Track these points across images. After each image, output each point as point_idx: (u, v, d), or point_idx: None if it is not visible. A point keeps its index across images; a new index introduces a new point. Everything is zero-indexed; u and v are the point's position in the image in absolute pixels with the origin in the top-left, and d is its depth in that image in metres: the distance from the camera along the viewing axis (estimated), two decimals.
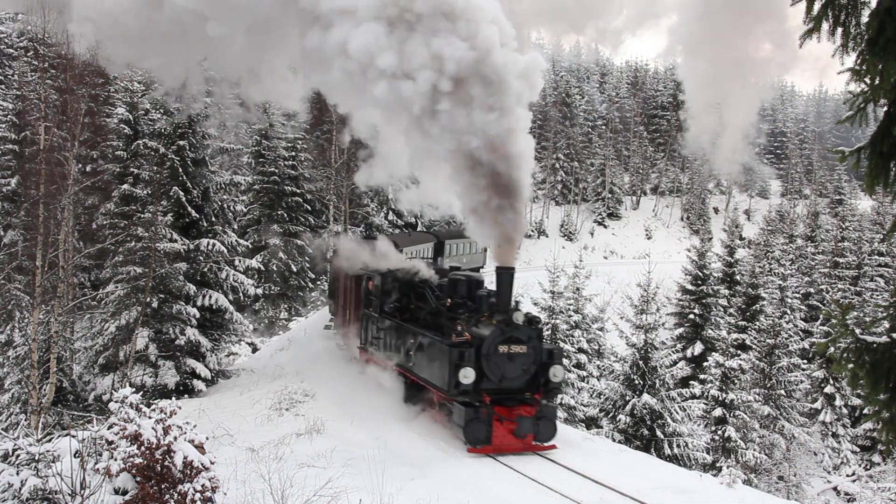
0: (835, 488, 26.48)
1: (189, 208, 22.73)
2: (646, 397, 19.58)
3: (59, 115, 24.14)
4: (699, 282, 30.79)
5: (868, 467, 28.15)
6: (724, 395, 22.34)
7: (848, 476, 27.39)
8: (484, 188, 13.99)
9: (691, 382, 24.89)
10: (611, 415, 20.52)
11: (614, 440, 18.20)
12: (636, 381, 20.07)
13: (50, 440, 8.83)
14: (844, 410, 28.91)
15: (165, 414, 8.48)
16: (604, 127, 74.71)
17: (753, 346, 26.75)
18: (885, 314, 5.64)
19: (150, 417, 8.37)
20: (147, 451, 8.00)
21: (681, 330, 30.45)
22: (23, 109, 31.50)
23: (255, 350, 29.90)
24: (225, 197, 24.66)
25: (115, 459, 7.95)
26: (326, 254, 34.34)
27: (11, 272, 23.96)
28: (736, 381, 22.94)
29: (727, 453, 21.70)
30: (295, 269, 36.65)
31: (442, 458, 13.16)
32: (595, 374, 24.21)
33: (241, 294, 23.97)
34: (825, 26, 5.26)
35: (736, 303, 31.79)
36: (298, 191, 38.74)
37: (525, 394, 14.06)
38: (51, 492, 7.81)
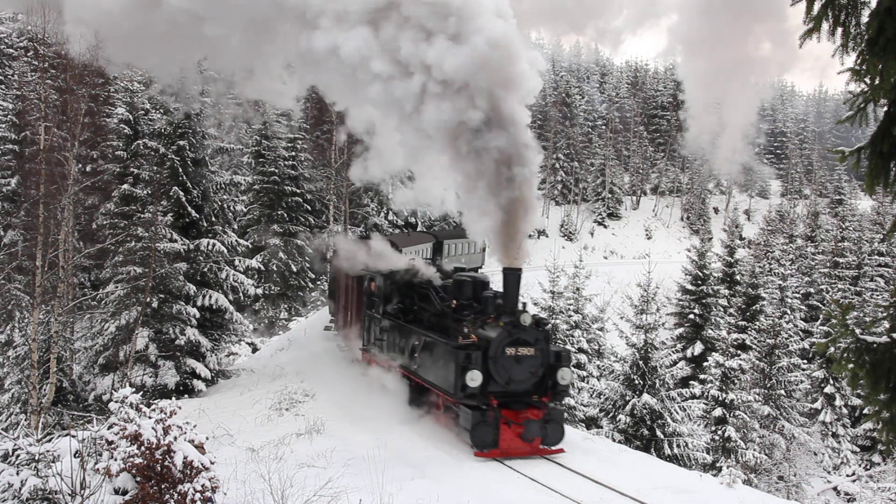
0: (835, 488, 26.48)
1: (189, 208, 22.73)
2: (646, 397, 19.57)
3: (59, 115, 24.16)
4: (699, 282, 30.79)
5: (868, 467, 28.15)
6: (724, 395, 22.34)
7: (848, 476, 27.39)
8: (488, 173, 13.72)
9: (691, 382, 24.89)
10: (611, 415, 20.51)
11: (614, 440, 18.19)
12: (636, 381, 20.06)
13: (50, 440, 8.83)
14: (844, 410, 28.91)
15: (165, 414, 8.48)
16: (604, 127, 74.71)
17: (753, 346, 26.74)
18: (885, 314, 5.64)
19: (150, 417, 8.37)
20: (147, 451, 8.00)
21: (681, 330, 30.45)
22: (23, 109, 31.52)
23: (255, 350, 29.90)
24: (225, 197, 24.67)
25: (115, 459, 7.95)
26: (326, 254, 34.35)
27: (11, 272, 23.97)
28: (736, 381, 22.94)
29: (727, 453, 21.70)
30: (295, 269, 36.66)
31: (444, 461, 13.13)
32: (595, 374, 24.20)
33: (241, 294, 23.98)
34: (825, 26, 5.26)
35: (736, 303, 31.78)
36: (298, 191, 38.74)
37: (532, 397, 13.89)
38: (51, 492, 7.81)
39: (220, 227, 23.88)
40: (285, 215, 37.68)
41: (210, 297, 22.33)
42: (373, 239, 22.84)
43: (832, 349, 5.61)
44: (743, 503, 11.66)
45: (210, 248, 22.56)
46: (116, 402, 8.55)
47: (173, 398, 18.54)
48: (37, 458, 8.16)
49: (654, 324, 21.11)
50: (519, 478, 12.29)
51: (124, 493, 8.01)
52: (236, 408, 18.21)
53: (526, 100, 13.97)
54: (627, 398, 20.06)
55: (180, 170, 22.77)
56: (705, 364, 25.12)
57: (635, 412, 19.62)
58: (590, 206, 64.90)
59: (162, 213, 21.84)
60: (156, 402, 8.98)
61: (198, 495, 7.97)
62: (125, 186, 23.30)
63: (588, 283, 28.27)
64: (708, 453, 20.75)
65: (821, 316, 35.15)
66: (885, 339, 5.37)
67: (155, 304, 21.24)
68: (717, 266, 33.57)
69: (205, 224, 23.38)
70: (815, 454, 27.30)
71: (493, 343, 13.54)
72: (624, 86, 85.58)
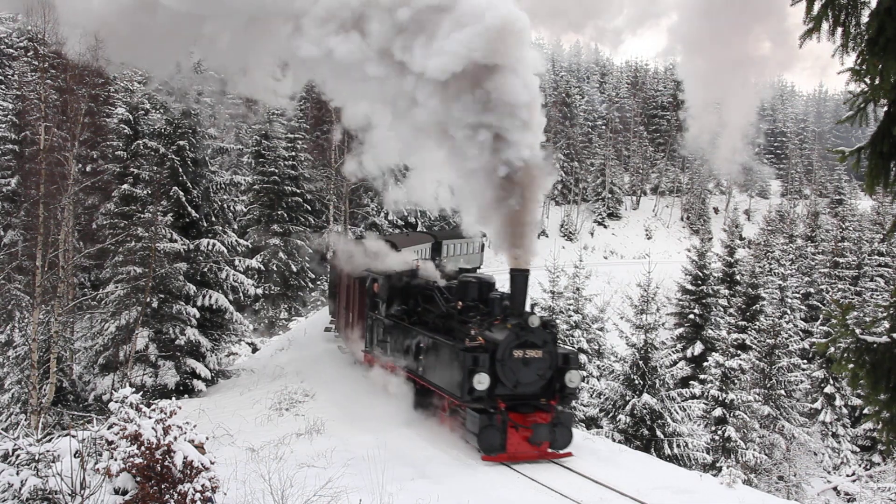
0: (835, 488, 26.48)
1: (189, 208, 22.73)
2: (646, 397, 19.57)
3: (59, 115, 24.16)
4: (699, 282, 30.79)
5: (868, 467, 28.15)
6: (724, 395, 22.34)
7: (848, 476, 27.39)
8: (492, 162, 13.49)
9: (691, 382, 24.89)
10: (611, 415, 20.51)
11: (614, 440, 18.19)
12: (636, 381, 20.06)
13: (50, 440, 8.84)
14: (844, 410, 28.91)
15: (165, 414, 8.48)
16: (604, 127, 74.69)
17: (753, 346, 26.74)
18: (885, 314, 5.64)
19: (150, 417, 8.37)
20: (147, 451, 8.00)
21: (681, 330, 30.45)
22: (23, 109, 31.53)
23: (255, 350, 29.91)
24: (225, 197, 24.66)
25: (115, 459, 7.95)
26: (326, 254, 34.36)
27: (11, 272, 23.98)
28: (736, 381, 22.94)
29: (727, 453, 21.70)
30: (295, 269, 36.67)
31: (445, 461, 13.10)
32: (595, 374, 24.19)
33: (241, 294, 23.97)
34: (825, 26, 5.26)
35: (736, 303, 31.78)
36: (298, 191, 38.75)
37: (540, 400, 13.68)
38: (51, 492, 7.81)
39: (220, 227, 23.88)
40: (285, 215, 37.69)
41: (210, 297, 22.33)
42: (372, 239, 22.80)
43: (832, 349, 5.61)
44: (743, 503, 11.66)
45: (210, 248, 22.56)
46: (116, 402, 8.55)
47: (173, 398, 18.54)
48: (37, 458, 8.16)
49: (654, 324, 21.11)
50: (519, 478, 12.29)
51: (124, 493, 8.01)
52: (236, 408, 18.21)
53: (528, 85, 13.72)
54: (627, 398, 20.06)
55: (180, 170, 22.77)
56: (705, 364, 25.12)
57: (635, 412, 19.62)
58: (590, 206, 64.91)
59: (162, 213, 21.84)
60: (156, 402, 8.98)
61: (198, 495, 7.97)
62: (125, 186, 23.31)
63: (588, 283, 28.27)
64: (708, 453, 20.75)
65: (821, 316, 35.15)
66: (885, 339, 5.37)
67: (155, 304, 21.24)
68: (717, 266, 33.57)
69: (205, 224, 23.38)
70: (815, 454, 27.29)
71: (501, 345, 13.34)
72: (624, 86, 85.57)
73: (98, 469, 8.10)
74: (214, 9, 15.43)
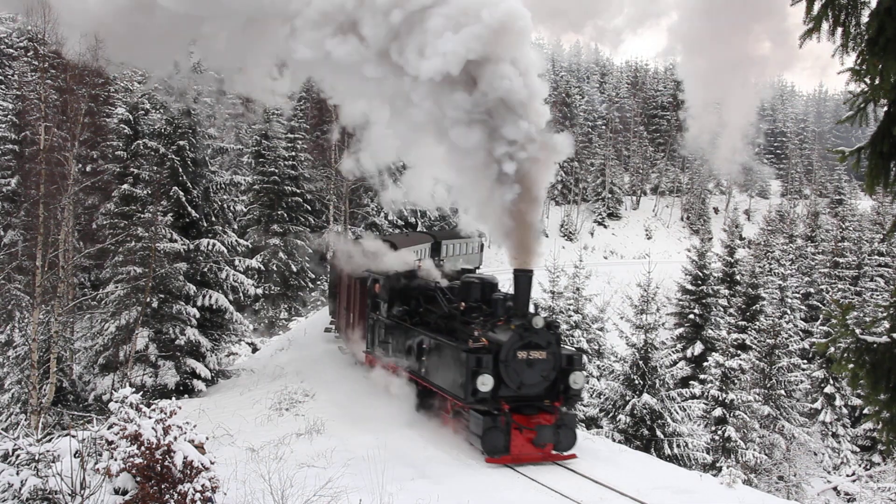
0: (835, 488, 26.48)
1: (189, 208, 22.72)
2: (646, 397, 19.57)
3: (59, 115, 24.16)
4: (699, 282, 30.79)
5: (868, 467, 28.15)
6: (724, 395, 22.34)
7: (848, 476, 27.39)
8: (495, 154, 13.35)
9: (691, 382, 24.89)
10: (611, 415, 20.51)
11: (614, 440, 18.19)
12: (636, 381, 20.06)
13: (50, 440, 8.84)
14: (844, 410, 28.91)
15: (165, 414, 8.48)
16: (604, 127, 74.70)
17: (753, 346, 26.74)
18: (885, 314, 5.64)
19: (150, 417, 8.37)
20: (147, 451, 8.00)
21: (681, 330, 30.45)
22: (23, 109, 31.54)
23: (255, 350, 29.91)
24: (225, 197, 24.66)
25: (115, 459, 7.95)
26: (326, 254, 34.36)
27: (11, 272, 23.97)
28: (736, 381, 22.94)
29: (727, 453, 21.70)
30: (295, 269, 36.67)
31: (444, 461, 13.10)
32: (595, 374, 24.20)
33: (241, 294, 23.97)
34: (825, 26, 5.26)
35: (736, 303, 31.78)
36: (298, 191, 38.76)
37: (544, 401, 13.58)
38: (51, 492, 7.81)
39: (220, 227, 23.88)
40: (285, 215, 37.70)
41: (210, 297, 22.32)
42: (370, 239, 22.75)
43: (832, 349, 5.61)
44: (743, 503, 11.67)
45: (210, 248, 22.56)
46: (116, 402, 8.55)
47: (173, 398, 18.54)
48: (37, 458, 8.16)
49: (654, 324, 21.11)
50: (518, 477, 12.29)
51: (124, 493, 8.02)
52: (236, 408, 18.20)
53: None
54: (627, 398, 20.06)
55: (180, 170, 22.77)
56: (705, 364, 25.12)
57: (635, 412, 19.62)
58: (590, 206, 64.92)
59: (162, 213, 21.84)
60: (156, 402, 8.98)
61: (198, 495, 7.97)
62: (125, 186, 23.31)
63: (588, 283, 28.28)
64: (708, 453, 20.75)
65: (821, 316, 35.15)
66: (885, 339, 5.37)
67: (155, 304, 21.24)
68: (717, 266, 33.57)
69: (205, 224, 23.37)
70: (815, 454, 27.30)
71: (505, 346, 13.22)
72: (624, 86, 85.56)
73: (98, 469, 8.10)
74: (211, 10, 15.44)
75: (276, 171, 38.14)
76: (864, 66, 5.15)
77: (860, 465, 28.25)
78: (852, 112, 5.37)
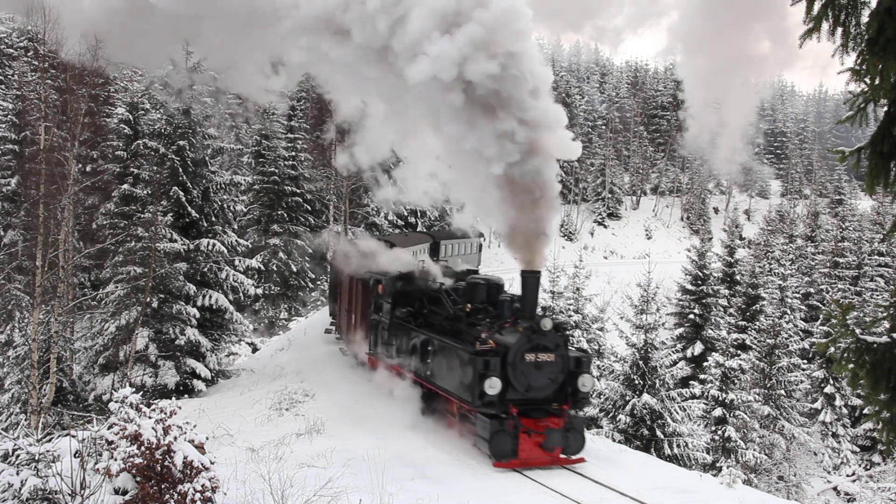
0: (835, 488, 26.48)
1: (189, 208, 22.72)
2: (646, 397, 19.58)
3: (59, 115, 24.17)
4: (699, 282, 30.79)
5: (868, 467, 28.15)
6: (724, 395, 22.33)
7: (848, 476, 27.40)
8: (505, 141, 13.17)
9: (691, 382, 24.90)
10: (611, 415, 20.51)
11: (614, 440, 18.19)
12: (636, 381, 20.06)
13: (50, 440, 8.84)
14: (844, 410, 28.92)
15: (165, 414, 8.48)
16: (604, 127, 74.70)
17: (753, 346, 26.74)
18: (885, 314, 5.64)
19: (150, 417, 8.37)
20: (147, 451, 8.00)
21: (681, 330, 30.45)
22: (23, 109, 31.54)
23: (255, 350, 29.90)
24: (225, 197, 24.65)
25: (115, 459, 7.95)
26: (326, 254, 34.36)
27: (11, 272, 23.98)
28: (736, 381, 22.94)
29: (727, 453, 21.70)
30: (295, 269, 36.67)
31: (444, 460, 13.09)
32: (595, 374, 24.19)
33: (241, 294, 23.96)
34: (825, 26, 5.26)
35: (736, 303, 31.79)
36: (298, 191, 38.76)
37: (552, 404, 13.38)
38: (51, 492, 7.81)
39: (220, 227, 23.86)
40: (285, 215, 37.70)
41: (210, 297, 22.32)
42: (368, 239, 22.69)
43: (832, 349, 5.61)
44: (743, 503, 11.67)
45: (210, 248, 22.55)
46: (116, 402, 8.55)
47: (173, 398, 18.54)
48: (37, 458, 8.16)
49: (654, 324, 21.11)
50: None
51: (124, 493, 8.02)
52: (236, 408, 18.20)
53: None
54: (627, 398, 20.06)
55: (180, 170, 22.77)
56: (705, 364, 25.12)
57: (635, 412, 19.62)
58: (590, 206, 64.92)
59: (162, 213, 21.84)
60: (156, 402, 8.98)
61: (198, 495, 7.97)
62: (125, 186, 23.31)
63: (588, 283, 28.31)
64: (708, 453, 20.75)
65: (821, 316, 35.15)
66: (885, 339, 5.37)
67: (155, 304, 21.23)
68: (717, 266, 33.59)
69: (205, 224, 23.37)
70: (815, 454, 27.30)
71: (512, 349, 13.04)
72: (624, 86, 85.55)
73: (98, 469, 8.10)
74: (202, 10, 15.43)
75: (276, 171, 38.14)
76: (864, 66, 5.15)
77: (860, 465, 28.25)
78: (852, 112, 5.37)
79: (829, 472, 27.61)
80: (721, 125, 40.85)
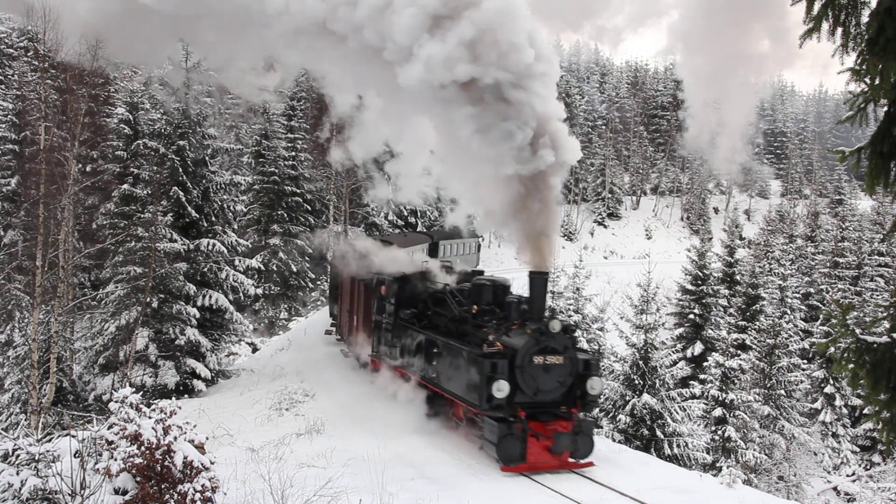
0: (835, 488, 26.48)
1: (189, 208, 22.73)
2: (646, 397, 19.58)
3: (59, 115, 24.16)
4: (699, 282, 30.80)
5: (868, 467, 28.15)
6: (724, 395, 22.33)
7: (848, 476, 27.40)
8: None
9: (691, 382, 24.90)
10: (611, 415, 20.52)
11: (614, 440, 18.19)
12: (636, 381, 20.06)
13: (50, 440, 8.83)
14: (844, 410, 28.91)
15: (165, 414, 8.48)
16: (604, 127, 74.70)
17: (753, 346, 26.73)
18: (885, 314, 5.64)
19: (150, 417, 8.37)
20: (147, 451, 8.00)
21: (681, 330, 30.45)
22: (23, 109, 31.53)
23: (255, 350, 29.90)
24: (225, 197, 24.65)
25: (115, 459, 7.95)
26: (326, 254, 34.36)
27: (11, 272, 23.97)
28: (736, 381, 22.93)
29: (727, 453, 21.70)
30: (295, 269, 36.67)
31: (444, 460, 13.08)
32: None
33: (241, 294, 23.95)
34: (825, 26, 5.26)
35: (736, 303, 31.78)
36: (298, 191, 38.76)
37: (561, 407, 13.19)
38: (51, 492, 7.81)
39: (220, 227, 23.86)
40: (285, 215, 37.71)
41: (210, 297, 22.32)
42: (366, 239, 22.64)
43: (832, 349, 5.61)
44: (743, 503, 11.67)
45: (210, 248, 22.55)
46: (116, 402, 8.55)
47: (173, 398, 18.54)
48: (37, 458, 8.16)
49: (654, 324, 21.10)
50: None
51: (124, 493, 8.02)
52: (236, 408, 18.20)
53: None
54: (627, 398, 20.06)
55: (180, 170, 22.77)
56: (705, 364, 25.12)
57: (635, 412, 19.63)
58: (590, 206, 64.93)
59: (162, 213, 21.84)
60: (156, 402, 8.98)
61: (198, 495, 7.97)
62: (125, 186, 23.31)
63: (588, 283, 28.33)
64: (708, 453, 20.75)
65: (821, 316, 35.15)
66: (885, 339, 5.37)
67: (155, 304, 21.24)
68: (717, 266, 33.59)
69: (205, 224, 23.37)
70: (815, 454, 27.29)
71: (521, 351, 12.83)
72: (624, 86, 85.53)
73: (98, 469, 8.10)
74: (197, 11, 15.43)
75: (276, 171, 38.15)
76: (864, 66, 5.15)
77: (860, 465, 28.25)
78: (852, 112, 5.37)
79: (829, 472, 27.61)
80: (721, 125, 40.84)
